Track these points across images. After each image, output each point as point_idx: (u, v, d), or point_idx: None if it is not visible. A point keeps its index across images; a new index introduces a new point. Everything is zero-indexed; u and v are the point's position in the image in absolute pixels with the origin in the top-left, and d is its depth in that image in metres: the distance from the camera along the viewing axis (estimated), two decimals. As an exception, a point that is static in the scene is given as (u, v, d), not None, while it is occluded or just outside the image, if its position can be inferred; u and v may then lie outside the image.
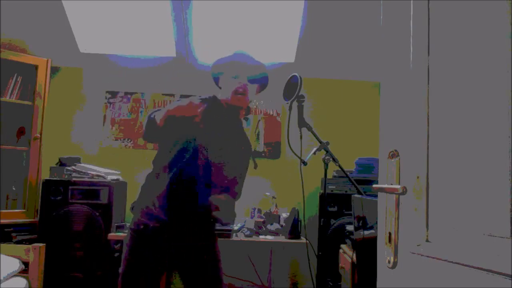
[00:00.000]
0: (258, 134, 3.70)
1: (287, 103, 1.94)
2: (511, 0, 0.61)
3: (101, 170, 3.21)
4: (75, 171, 3.15)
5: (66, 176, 3.10)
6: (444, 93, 0.75)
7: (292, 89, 1.93)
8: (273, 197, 3.39)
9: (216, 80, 1.87)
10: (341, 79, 3.78)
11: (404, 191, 0.80)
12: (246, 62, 1.79)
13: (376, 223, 1.00)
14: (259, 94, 1.90)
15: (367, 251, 1.73)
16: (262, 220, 3.27)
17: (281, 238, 3.08)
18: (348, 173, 2.10)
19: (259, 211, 3.39)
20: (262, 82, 1.84)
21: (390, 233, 0.83)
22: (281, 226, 3.21)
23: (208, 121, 1.63)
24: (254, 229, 3.17)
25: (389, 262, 0.83)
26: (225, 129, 1.75)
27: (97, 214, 2.99)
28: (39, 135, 3.20)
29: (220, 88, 1.84)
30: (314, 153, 2.08)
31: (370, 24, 3.03)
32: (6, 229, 3.00)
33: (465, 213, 0.68)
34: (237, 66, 1.76)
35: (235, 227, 3.13)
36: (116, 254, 2.93)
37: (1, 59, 3.08)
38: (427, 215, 0.76)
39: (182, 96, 3.67)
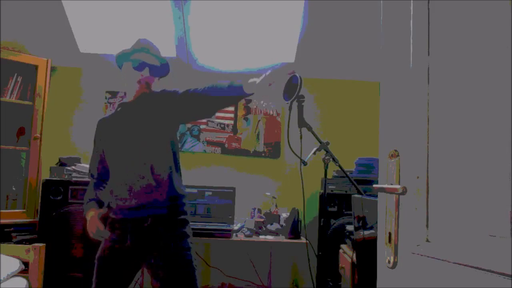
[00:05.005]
0: (258, 134, 3.70)
1: (287, 103, 1.94)
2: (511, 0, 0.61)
3: (101, 170, 3.20)
4: (75, 171, 3.15)
5: (66, 176, 3.10)
6: (444, 93, 0.75)
7: (292, 89, 1.93)
8: (273, 197, 3.39)
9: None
10: (341, 79, 3.78)
11: (404, 191, 0.79)
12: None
13: (376, 223, 1.00)
14: (259, 94, 1.90)
15: (367, 251, 1.73)
16: (262, 220, 3.27)
17: (281, 238, 3.07)
18: (348, 173, 2.11)
19: (259, 211, 3.39)
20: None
21: (390, 233, 0.83)
22: (281, 226, 3.21)
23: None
24: (254, 229, 3.17)
25: (389, 262, 0.83)
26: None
27: (97, 214, 2.99)
28: (39, 135, 3.19)
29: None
30: (314, 153, 2.09)
31: (370, 24, 3.03)
32: (6, 229, 2.99)
33: (465, 213, 0.68)
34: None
35: (235, 227, 3.13)
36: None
37: (1, 59, 3.07)
38: (427, 215, 0.76)
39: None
